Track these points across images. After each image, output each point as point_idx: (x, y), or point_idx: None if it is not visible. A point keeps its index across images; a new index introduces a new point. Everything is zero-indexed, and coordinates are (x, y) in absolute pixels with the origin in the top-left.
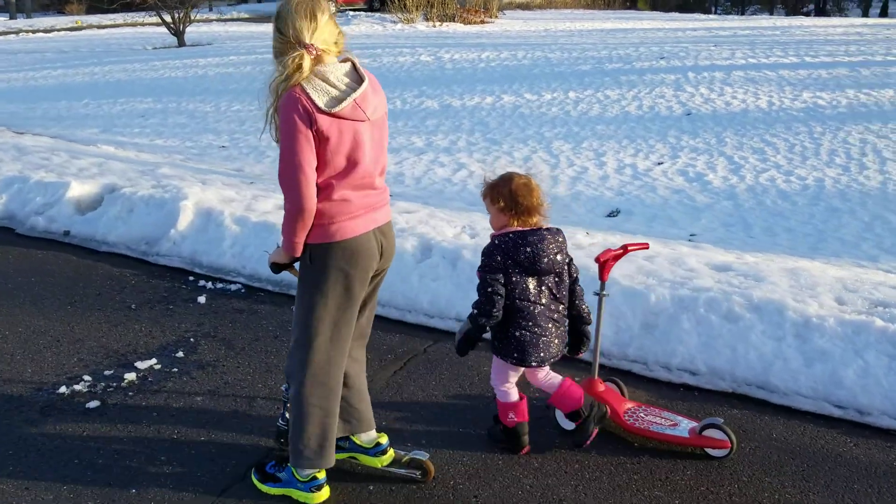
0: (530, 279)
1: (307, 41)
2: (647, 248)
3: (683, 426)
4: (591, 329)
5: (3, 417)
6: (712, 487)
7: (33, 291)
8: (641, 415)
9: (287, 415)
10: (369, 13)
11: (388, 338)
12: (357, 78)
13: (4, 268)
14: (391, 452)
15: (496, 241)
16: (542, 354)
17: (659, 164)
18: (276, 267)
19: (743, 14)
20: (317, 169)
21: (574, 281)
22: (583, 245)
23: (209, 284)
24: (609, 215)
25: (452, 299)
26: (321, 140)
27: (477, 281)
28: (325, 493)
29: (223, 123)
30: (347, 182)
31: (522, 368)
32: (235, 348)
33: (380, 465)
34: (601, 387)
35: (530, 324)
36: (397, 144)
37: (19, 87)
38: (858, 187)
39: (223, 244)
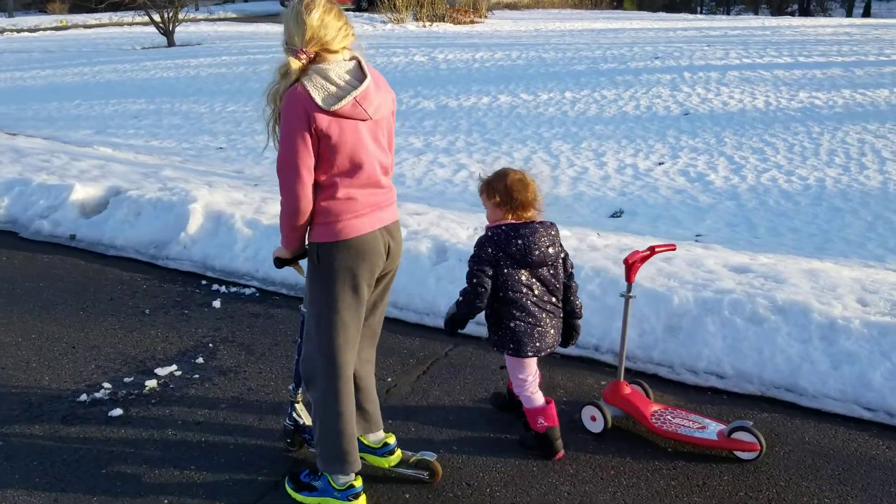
0: (522, 271)
1: (297, 46)
2: (674, 248)
3: (711, 429)
4: (580, 323)
5: (24, 427)
6: (751, 493)
7: (43, 297)
8: (669, 417)
9: (294, 415)
10: (357, 13)
11: (409, 341)
12: (360, 76)
13: (11, 273)
14: (399, 453)
15: (489, 233)
16: (537, 344)
17: (660, 164)
18: (279, 262)
19: (728, 14)
20: (318, 167)
21: (570, 276)
22: (597, 247)
23: (223, 288)
24: (613, 216)
25: None
26: (321, 138)
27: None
28: (363, 501)
29: (219, 124)
30: (351, 181)
31: (533, 362)
32: (255, 353)
33: (387, 466)
34: (627, 389)
35: (524, 314)
36: (396, 145)
37: (7, 88)
38: (859, 187)
39: (235, 247)
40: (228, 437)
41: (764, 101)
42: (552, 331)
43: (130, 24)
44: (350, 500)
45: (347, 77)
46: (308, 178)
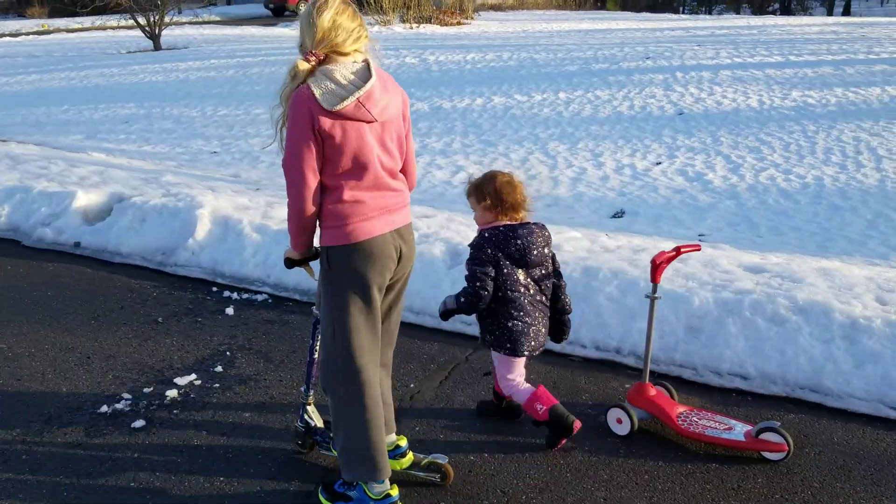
0: (520, 271)
1: (308, 47)
2: (699, 249)
3: (738, 430)
4: (571, 319)
5: (47, 440)
6: (786, 495)
7: (52, 306)
8: (695, 419)
9: (305, 416)
10: None
11: (427, 346)
12: (365, 76)
13: (17, 282)
14: (410, 455)
15: (486, 235)
16: (532, 343)
17: (657, 163)
18: (289, 262)
19: (710, 13)
20: (324, 169)
21: (559, 275)
22: (610, 248)
23: (234, 295)
24: (614, 216)
25: None
26: (325, 139)
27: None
28: None
29: (211, 128)
30: (357, 183)
31: (523, 361)
32: (274, 361)
33: (399, 468)
34: (652, 391)
35: (521, 314)
36: None
37: None
38: (857, 185)
39: (244, 253)
40: (256, 447)
41: (757, 100)
42: (543, 329)
43: (116, 28)
44: None
45: (352, 77)
46: (312, 179)
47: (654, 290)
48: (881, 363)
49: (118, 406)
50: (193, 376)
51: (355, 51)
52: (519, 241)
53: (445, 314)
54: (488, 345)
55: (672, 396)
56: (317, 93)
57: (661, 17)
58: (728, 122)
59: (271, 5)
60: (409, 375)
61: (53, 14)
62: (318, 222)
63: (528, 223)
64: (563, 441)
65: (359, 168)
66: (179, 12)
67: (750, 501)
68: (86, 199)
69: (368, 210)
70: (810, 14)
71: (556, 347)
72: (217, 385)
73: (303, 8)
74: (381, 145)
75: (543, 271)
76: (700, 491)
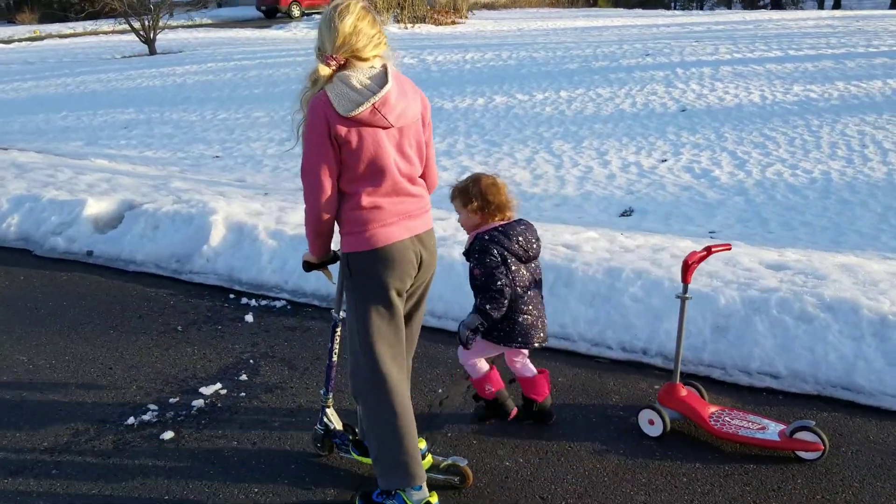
0: (522, 266)
1: (328, 52)
2: (730, 248)
3: (772, 429)
4: None
5: (75, 454)
6: (827, 496)
7: (69, 317)
8: (727, 419)
9: (324, 419)
10: None
11: (452, 351)
12: (382, 82)
13: (31, 293)
14: (429, 458)
15: (486, 237)
16: (541, 334)
17: (663, 160)
18: (307, 265)
19: (702, 9)
20: (342, 175)
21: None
22: (629, 248)
23: (253, 302)
24: (623, 214)
25: None
26: (341, 145)
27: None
28: None
29: (212, 133)
30: (374, 189)
31: (505, 348)
32: (298, 369)
33: None
34: (683, 392)
35: (530, 307)
36: None
37: None
38: (865, 179)
39: (261, 259)
40: (288, 457)
41: (759, 96)
42: (545, 320)
43: (110, 33)
44: None
45: (368, 82)
46: (328, 184)
47: (685, 291)
48: None
49: (145, 418)
50: (218, 385)
51: (375, 56)
52: (521, 238)
53: (473, 333)
54: (498, 340)
55: (703, 396)
56: (333, 99)
57: (655, 13)
58: (731, 118)
59: (263, 7)
60: (436, 380)
61: (44, 20)
62: (337, 228)
63: (521, 219)
64: (491, 420)
65: (376, 174)
66: (171, 16)
67: (791, 503)
68: (96, 206)
69: (387, 216)
70: (801, 8)
71: (582, 349)
72: (243, 394)
73: (295, 10)
74: (398, 151)
75: (535, 264)
76: (740, 493)
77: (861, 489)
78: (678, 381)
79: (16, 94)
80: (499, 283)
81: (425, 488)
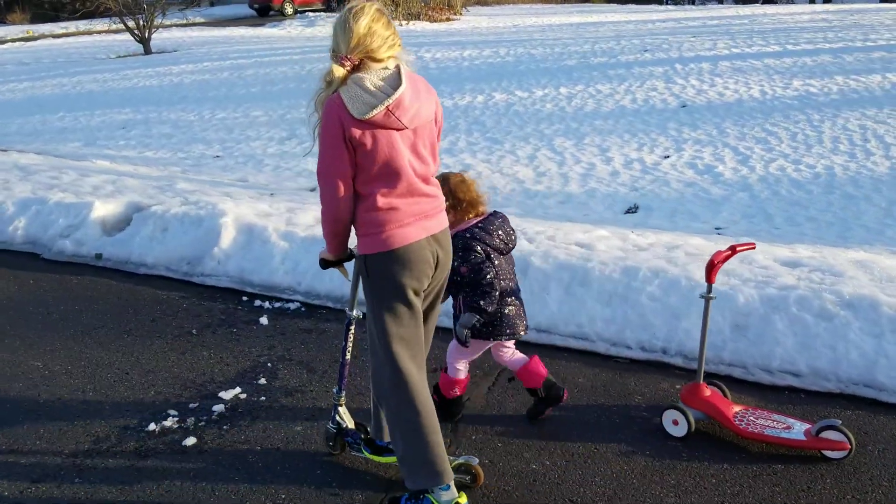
0: (503, 258)
1: (342, 52)
2: (754, 247)
3: (797, 429)
4: None
5: (98, 461)
6: (857, 495)
7: (82, 321)
8: (752, 418)
9: (337, 418)
10: (330, 13)
11: None
12: (396, 83)
13: (42, 297)
14: None
15: (468, 234)
16: (525, 322)
17: (666, 157)
18: (324, 263)
19: (693, 4)
20: (357, 176)
21: None
22: (642, 246)
23: (266, 304)
24: (628, 211)
25: (528, 309)
26: (356, 148)
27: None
28: None
29: (211, 132)
30: (390, 190)
31: (494, 342)
32: (317, 372)
33: None
34: (707, 391)
35: (513, 298)
36: None
37: None
38: (868, 173)
39: (273, 261)
40: (313, 460)
41: (759, 91)
42: (524, 307)
43: (106, 32)
44: None
45: (382, 84)
46: (344, 186)
47: (709, 290)
48: None
49: (166, 424)
50: (238, 390)
51: (389, 58)
52: (500, 232)
53: (470, 331)
54: (486, 336)
55: (726, 396)
56: (347, 102)
57: (649, 8)
58: (732, 114)
59: (256, 5)
60: None
61: (35, 20)
62: (353, 229)
63: (496, 212)
64: (548, 412)
65: (391, 175)
66: (164, 14)
67: (821, 503)
68: (103, 209)
69: (404, 216)
70: (792, 2)
71: (601, 349)
72: (263, 398)
73: (288, 8)
74: (413, 152)
75: (510, 255)
76: (770, 494)
77: (891, 488)
78: (702, 381)
79: (12, 94)
80: (488, 276)
81: (454, 488)
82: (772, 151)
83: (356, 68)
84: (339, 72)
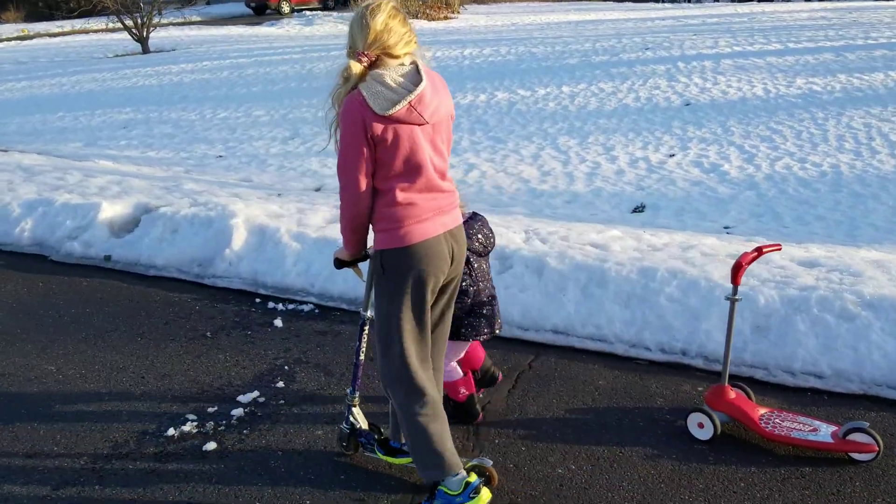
0: (483, 260)
1: (360, 49)
2: (780, 248)
3: (824, 431)
4: None
5: (118, 467)
6: (888, 498)
7: (94, 324)
8: (778, 421)
9: (350, 418)
10: (327, 12)
11: (487, 354)
12: (416, 79)
13: (52, 299)
14: None
15: None
16: (500, 320)
17: (671, 155)
18: (339, 263)
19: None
20: (377, 172)
21: None
22: (657, 246)
23: (280, 306)
24: (635, 210)
25: (545, 310)
26: (377, 144)
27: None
28: (486, 494)
29: (213, 132)
30: (410, 185)
31: (473, 342)
32: (335, 375)
33: None
34: (732, 394)
35: (490, 297)
36: None
37: None
38: (875, 172)
39: (286, 263)
40: (335, 464)
41: (763, 89)
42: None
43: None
44: (473, 497)
45: (402, 80)
46: (364, 182)
47: (735, 292)
48: None
49: (185, 429)
50: (256, 393)
51: (405, 54)
52: (479, 235)
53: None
54: (464, 338)
55: (750, 398)
56: (368, 98)
57: (647, 6)
58: (736, 112)
59: (252, 4)
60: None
61: (29, 18)
62: (370, 225)
63: (475, 213)
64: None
65: (412, 170)
66: (160, 13)
67: None
68: (111, 210)
69: (422, 212)
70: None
71: (620, 351)
72: (282, 402)
73: (285, 7)
74: (432, 147)
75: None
76: (800, 497)
77: None
78: (727, 384)
79: (10, 94)
80: (463, 284)
81: (463, 473)
82: (777, 150)
83: (373, 65)
84: (357, 68)
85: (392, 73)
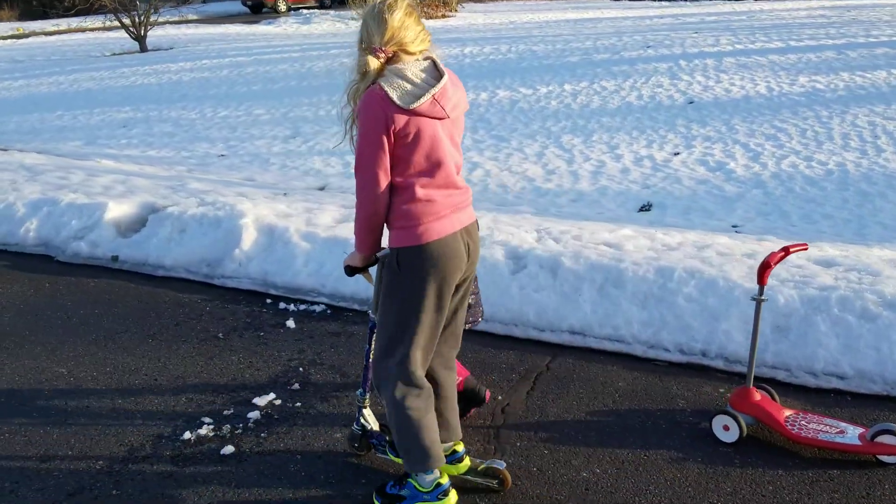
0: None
1: (376, 44)
2: (806, 248)
3: (851, 433)
4: None
5: (135, 472)
6: None
7: (104, 325)
8: (804, 423)
9: (361, 420)
10: (324, 10)
11: (503, 355)
12: (436, 74)
13: (60, 300)
14: (467, 460)
15: None
16: (482, 309)
17: (676, 154)
18: (350, 270)
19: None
20: (396, 168)
21: None
22: (671, 245)
23: (291, 307)
24: (642, 209)
25: (561, 311)
26: (398, 138)
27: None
28: (453, 496)
29: (214, 131)
30: (429, 181)
31: None
32: (350, 376)
33: (456, 473)
34: (757, 396)
35: (473, 296)
36: None
37: None
38: (881, 170)
39: (296, 263)
40: (356, 468)
41: (766, 87)
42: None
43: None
44: (441, 499)
45: (423, 75)
46: (384, 179)
47: (761, 293)
48: None
49: (201, 432)
50: (272, 396)
51: (421, 51)
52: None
53: None
54: None
55: (774, 400)
56: (391, 93)
57: (645, 4)
58: (740, 110)
59: (249, 2)
60: (493, 387)
61: (24, 17)
62: (386, 223)
63: None
64: (473, 410)
65: (433, 166)
66: (156, 12)
67: None
68: (117, 210)
69: (440, 209)
70: None
71: (638, 351)
72: (299, 404)
73: (281, 5)
74: (451, 142)
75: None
76: (829, 501)
77: None
78: (752, 385)
79: (7, 93)
80: None
81: (437, 473)
82: (783, 148)
83: (389, 61)
84: (375, 63)
85: (412, 68)
